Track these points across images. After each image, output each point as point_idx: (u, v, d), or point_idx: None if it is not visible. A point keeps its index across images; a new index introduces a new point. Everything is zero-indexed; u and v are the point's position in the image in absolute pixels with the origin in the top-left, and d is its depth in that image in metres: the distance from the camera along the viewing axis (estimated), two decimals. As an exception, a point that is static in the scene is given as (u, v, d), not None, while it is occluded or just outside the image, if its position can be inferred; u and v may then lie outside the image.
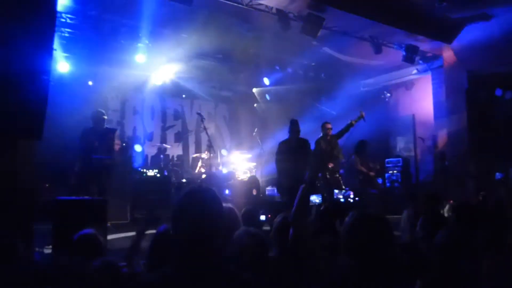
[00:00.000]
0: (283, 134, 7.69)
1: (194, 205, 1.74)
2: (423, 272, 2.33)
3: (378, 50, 9.43)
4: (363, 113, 8.47)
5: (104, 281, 2.44)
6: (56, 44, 7.94)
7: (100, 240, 3.17)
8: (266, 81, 11.80)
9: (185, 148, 12.76)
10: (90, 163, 7.03)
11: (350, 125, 8.36)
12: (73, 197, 5.52)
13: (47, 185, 8.23)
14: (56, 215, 4.77)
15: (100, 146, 7.20)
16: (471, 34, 9.20)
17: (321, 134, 8.19)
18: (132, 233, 5.56)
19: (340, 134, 8.41)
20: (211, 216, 1.74)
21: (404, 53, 9.67)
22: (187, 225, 1.71)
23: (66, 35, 8.57)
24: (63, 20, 8.19)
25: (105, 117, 7.55)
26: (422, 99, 11.16)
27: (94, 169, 7.04)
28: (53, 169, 8.21)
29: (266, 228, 5.48)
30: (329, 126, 8.28)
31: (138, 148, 10.75)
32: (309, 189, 2.65)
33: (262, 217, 5.74)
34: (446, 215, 3.86)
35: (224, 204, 3.00)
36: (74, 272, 2.33)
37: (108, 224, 5.70)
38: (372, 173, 9.03)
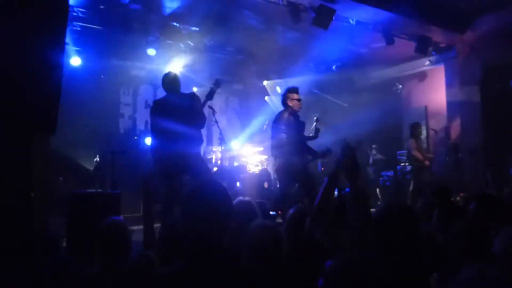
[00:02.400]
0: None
1: (202, 199, 1.75)
2: (440, 264, 2.32)
3: (390, 41, 9.32)
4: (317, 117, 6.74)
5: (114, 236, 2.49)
6: (68, 38, 7.95)
7: (126, 228, 3.07)
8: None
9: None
10: (172, 152, 4.82)
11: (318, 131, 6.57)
12: (88, 191, 5.56)
13: (60, 178, 8.32)
14: (70, 208, 4.82)
15: (185, 121, 4.92)
16: (485, 24, 9.06)
17: None
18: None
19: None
20: (219, 209, 1.75)
21: (416, 44, 9.55)
22: (195, 218, 1.72)
23: (78, 29, 8.61)
24: (75, 14, 8.22)
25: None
26: (435, 91, 11.05)
27: (181, 160, 4.84)
28: (67, 163, 8.29)
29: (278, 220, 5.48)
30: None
31: (149, 141, 10.77)
32: (336, 181, 2.61)
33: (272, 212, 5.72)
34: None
35: (241, 198, 3.01)
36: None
37: (122, 217, 5.73)
38: (427, 162, 8.20)
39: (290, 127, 5.74)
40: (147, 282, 1.95)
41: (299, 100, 5.95)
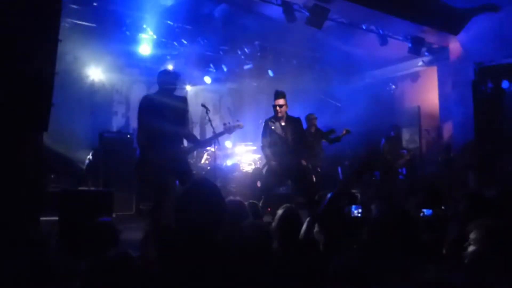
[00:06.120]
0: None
1: (195, 199, 1.75)
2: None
3: (383, 41, 9.36)
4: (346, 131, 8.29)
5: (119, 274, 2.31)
6: (61, 35, 7.88)
7: (117, 229, 3.03)
8: (270, 73, 11.78)
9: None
10: (159, 150, 4.72)
11: (336, 140, 8.22)
12: (80, 188, 5.52)
13: (52, 176, 8.27)
14: (62, 206, 4.79)
15: (174, 122, 4.86)
16: (478, 25, 9.12)
17: (306, 126, 7.61)
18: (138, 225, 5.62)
19: (325, 135, 8.25)
20: (213, 209, 1.75)
21: (410, 45, 9.60)
22: (189, 217, 1.72)
23: (71, 26, 8.56)
24: (68, 10, 8.18)
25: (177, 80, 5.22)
26: (427, 91, 11.11)
27: (168, 159, 4.74)
28: (59, 160, 8.24)
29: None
30: (313, 116, 8.11)
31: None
32: (343, 193, 2.65)
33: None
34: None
35: (231, 197, 3.01)
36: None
37: (114, 216, 5.71)
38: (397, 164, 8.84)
39: (267, 133, 6.08)
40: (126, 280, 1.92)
41: (276, 106, 5.99)
